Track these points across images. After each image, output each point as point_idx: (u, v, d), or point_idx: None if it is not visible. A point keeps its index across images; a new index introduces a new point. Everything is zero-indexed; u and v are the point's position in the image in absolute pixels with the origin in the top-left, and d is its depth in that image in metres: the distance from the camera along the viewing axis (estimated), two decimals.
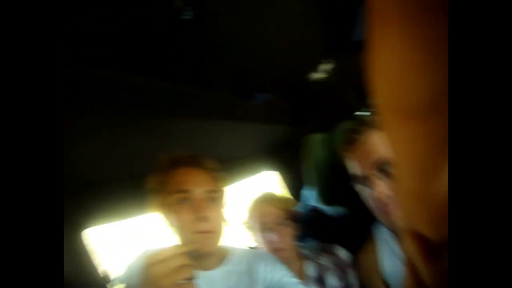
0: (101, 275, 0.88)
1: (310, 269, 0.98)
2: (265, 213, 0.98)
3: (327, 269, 0.98)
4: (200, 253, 0.69)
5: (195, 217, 0.69)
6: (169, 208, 0.73)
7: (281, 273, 0.79)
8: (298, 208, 1.12)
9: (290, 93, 1.51)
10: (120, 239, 1.13)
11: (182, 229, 0.71)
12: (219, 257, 0.79)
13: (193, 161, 0.77)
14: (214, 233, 0.72)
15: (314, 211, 1.13)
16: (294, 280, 0.78)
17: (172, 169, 0.75)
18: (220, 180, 0.80)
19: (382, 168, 0.67)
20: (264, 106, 1.33)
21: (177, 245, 0.60)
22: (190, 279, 0.58)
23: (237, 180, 1.39)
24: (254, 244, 1.03)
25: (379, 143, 0.68)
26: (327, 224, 1.11)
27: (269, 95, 1.37)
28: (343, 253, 0.99)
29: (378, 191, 0.67)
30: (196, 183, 0.73)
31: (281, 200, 1.04)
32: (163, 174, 0.75)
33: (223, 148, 1.27)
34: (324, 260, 0.99)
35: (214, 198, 0.75)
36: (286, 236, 0.97)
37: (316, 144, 1.00)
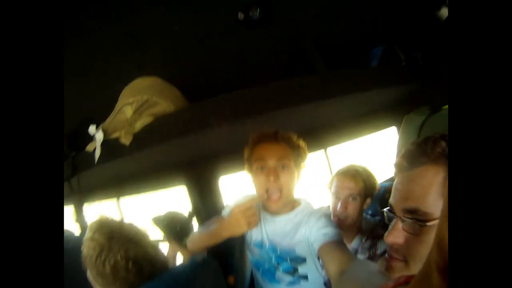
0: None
1: (356, 242, 1.12)
2: (343, 185, 1.11)
3: (367, 248, 1.08)
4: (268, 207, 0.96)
5: (267, 181, 0.91)
6: (252, 173, 0.97)
7: (320, 225, 0.92)
8: (379, 186, 1.22)
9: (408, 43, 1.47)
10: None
11: (258, 189, 0.96)
12: (287, 207, 1.01)
13: (274, 137, 0.96)
14: (280, 195, 0.93)
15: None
16: (328, 232, 0.89)
17: (257, 144, 0.98)
18: (296, 152, 0.97)
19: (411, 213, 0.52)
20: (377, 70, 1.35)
21: (253, 196, 0.95)
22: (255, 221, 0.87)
23: (361, 136, 1.59)
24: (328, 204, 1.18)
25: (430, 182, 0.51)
26: None
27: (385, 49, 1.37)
28: None
29: (390, 235, 0.54)
30: (271, 155, 0.93)
31: (363, 176, 1.12)
32: (251, 148, 0.99)
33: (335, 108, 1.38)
34: (375, 238, 1.09)
35: (286, 166, 0.93)
36: (352, 210, 1.09)
37: (411, 126, 0.91)
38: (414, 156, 0.53)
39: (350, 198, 1.09)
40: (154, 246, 0.79)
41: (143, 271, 0.72)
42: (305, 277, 1.01)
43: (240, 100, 1.11)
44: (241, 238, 1.10)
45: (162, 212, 1.44)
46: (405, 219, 0.52)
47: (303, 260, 0.99)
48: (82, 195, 2.60)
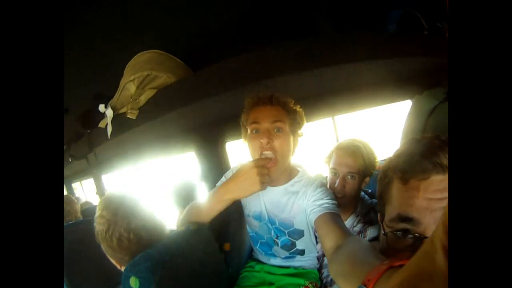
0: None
1: (348, 223, 1.08)
2: (341, 161, 1.07)
3: (356, 232, 1.03)
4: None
5: (261, 143, 0.88)
6: (248, 138, 0.94)
7: (317, 196, 0.90)
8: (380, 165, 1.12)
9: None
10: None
11: (252, 153, 0.93)
12: (284, 176, 0.99)
13: (269, 101, 0.93)
14: (275, 159, 0.90)
15: None
16: (325, 203, 0.87)
17: (252, 107, 0.94)
18: (291, 116, 0.94)
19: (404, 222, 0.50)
20: (397, 36, 1.22)
21: (251, 161, 0.87)
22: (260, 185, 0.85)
23: (371, 106, 1.51)
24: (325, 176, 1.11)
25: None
26: None
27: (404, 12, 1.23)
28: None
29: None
30: (265, 117, 0.90)
31: (363, 154, 1.07)
32: (247, 113, 0.96)
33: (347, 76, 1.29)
34: (367, 223, 1.04)
35: (280, 129, 0.90)
36: (349, 189, 1.05)
37: (420, 110, 0.81)
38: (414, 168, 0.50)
39: (349, 176, 1.05)
40: (152, 215, 0.85)
41: (143, 240, 0.80)
42: (302, 252, 1.01)
43: (242, 65, 1.07)
44: (238, 211, 1.09)
45: (171, 179, 1.55)
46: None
47: (301, 234, 0.98)
48: (100, 168, 2.77)
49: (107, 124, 1.38)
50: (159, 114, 1.18)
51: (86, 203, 3.01)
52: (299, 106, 0.97)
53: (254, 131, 0.92)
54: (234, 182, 0.88)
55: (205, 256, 0.90)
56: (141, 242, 0.80)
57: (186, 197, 1.46)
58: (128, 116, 1.19)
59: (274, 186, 0.99)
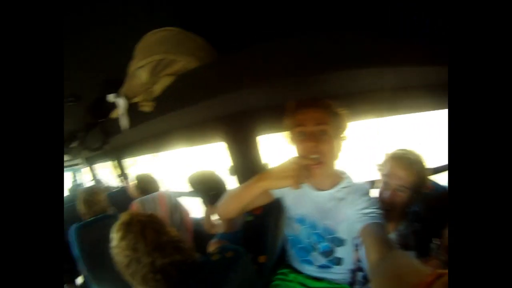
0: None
1: (393, 235, 1.08)
2: (395, 173, 1.04)
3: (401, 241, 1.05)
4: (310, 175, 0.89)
5: (307, 146, 0.89)
6: (294, 142, 0.94)
7: (363, 204, 0.90)
8: (433, 185, 1.14)
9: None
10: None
11: (299, 155, 0.92)
12: (329, 181, 0.99)
13: (312, 103, 0.92)
14: (321, 162, 0.89)
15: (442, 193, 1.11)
16: (372, 213, 0.87)
17: (295, 111, 0.94)
18: (335, 119, 0.92)
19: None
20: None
21: (294, 158, 0.87)
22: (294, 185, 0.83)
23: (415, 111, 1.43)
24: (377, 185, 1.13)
25: None
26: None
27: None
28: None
29: None
30: (310, 120, 0.90)
31: (417, 168, 1.04)
32: (290, 117, 0.95)
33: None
34: (406, 242, 1.05)
35: (325, 132, 0.89)
36: (397, 200, 1.03)
37: None
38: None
39: (400, 189, 1.03)
40: (180, 243, 0.77)
41: (171, 276, 0.73)
42: (339, 262, 1.00)
43: (281, 52, 0.80)
44: (276, 214, 1.06)
45: (197, 170, 1.38)
46: None
47: (341, 243, 0.98)
48: (120, 153, 2.69)
49: (119, 115, 1.20)
50: (179, 107, 0.98)
51: (107, 188, 2.98)
52: (342, 109, 0.95)
53: (299, 135, 0.92)
54: (271, 170, 0.90)
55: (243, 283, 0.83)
56: (170, 279, 0.73)
57: (207, 189, 1.30)
58: (141, 109, 1.00)
59: (319, 190, 1.00)
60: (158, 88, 0.97)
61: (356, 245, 0.98)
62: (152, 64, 0.90)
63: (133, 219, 0.76)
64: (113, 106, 1.28)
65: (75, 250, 1.69)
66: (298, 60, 0.77)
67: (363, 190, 0.97)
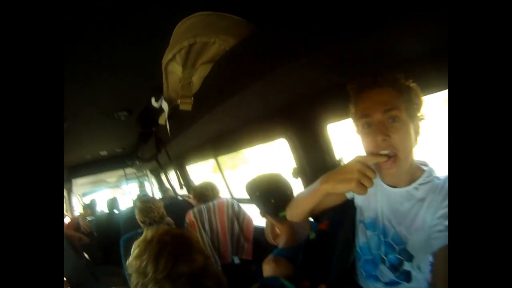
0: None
1: None
2: None
3: None
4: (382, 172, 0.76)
5: (375, 141, 0.71)
6: (360, 134, 0.77)
7: (443, 212, 0.71)
8: None
9: None
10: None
11: (366, 152, 0.76)
12: (408, 176, 0.78)
13: (374, 82, 0.74)
14: (394, 160, 0.72)
15: None
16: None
17: (358, 96, 0.77)
18: (406, 96, 0.73)
19: None
20: None
21: (359, 156, 0.72)
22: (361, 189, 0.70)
23: None
24: None
25: None
26: None
27: None
28: None
29: None
30: (375, 106, 0.72)
31: None
32: (354, 102, 0.78)
33: None
34: None
35: (396, 118, 0.71)
36: None
37: None
38: None
39: None
40: (201, 279, 0.65)
41: None
42: (408, 277, 0.80)
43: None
44: (347, 227, 0.91)
45: (256, 175, 1.23)
46: None
47: (410, 258, 0.79)
48: (179, 161, 2.73)
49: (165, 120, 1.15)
50: (224, 98, 0.85)
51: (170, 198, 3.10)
52: (411, 81, 0.74)
53: (365, 126, 0.75)
54: (336, 171, 0.78)
55: None
56: None
57: (273, 203, 1.14)
58: (180, 108, 0.91)
59: (394, 187, 0.81)
60: (197, 80, 0.87)
61: (431, 264, 0.78)
62: (182, 54, 0.79)
63: (154, 239, 0.67)
64: (160, 111, 1.24)
65: (123, 260, 1.73)
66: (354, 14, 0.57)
67: (445, 190, 0.74)
